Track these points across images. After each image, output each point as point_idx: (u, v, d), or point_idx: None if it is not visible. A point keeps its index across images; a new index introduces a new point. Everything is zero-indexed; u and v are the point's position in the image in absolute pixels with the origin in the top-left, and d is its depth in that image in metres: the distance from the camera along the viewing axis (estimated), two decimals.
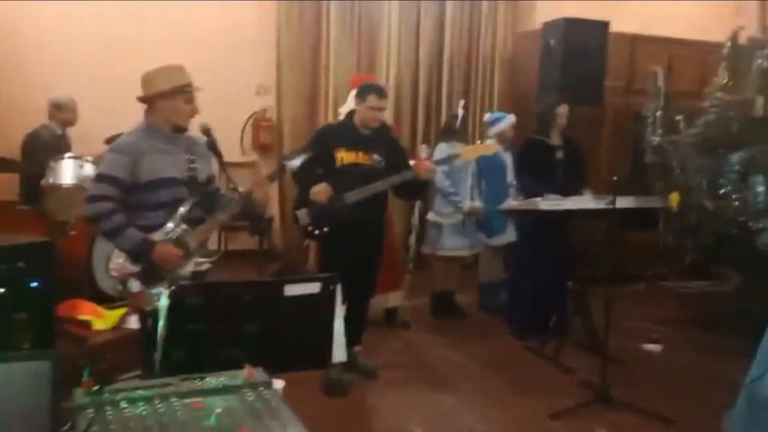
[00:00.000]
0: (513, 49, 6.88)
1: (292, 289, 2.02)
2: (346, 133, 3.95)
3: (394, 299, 5.02)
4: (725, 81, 4.43)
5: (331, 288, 2.11)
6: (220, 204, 3.12)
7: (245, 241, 6.02)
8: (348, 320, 4.07)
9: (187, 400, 1.52)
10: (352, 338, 4.06)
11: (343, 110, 4.55)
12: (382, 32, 6.52)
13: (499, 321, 5.10)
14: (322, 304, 2.08)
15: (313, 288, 2.06)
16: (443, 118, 6.26)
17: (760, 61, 4.19)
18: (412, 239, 5.28)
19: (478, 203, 5.03)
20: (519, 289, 4.82)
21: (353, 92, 4.15)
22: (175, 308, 1.89)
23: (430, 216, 5.16)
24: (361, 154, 3.86)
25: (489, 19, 6.85)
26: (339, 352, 2.22)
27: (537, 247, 4.68)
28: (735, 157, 4.16)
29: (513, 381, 4.14)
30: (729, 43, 4.59)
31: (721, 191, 4.22)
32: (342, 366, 3.95)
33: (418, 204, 5.18)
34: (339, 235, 3.81)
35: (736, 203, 4.13)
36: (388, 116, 6.42)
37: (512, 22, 6.94)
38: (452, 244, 5.07)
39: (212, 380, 1.62)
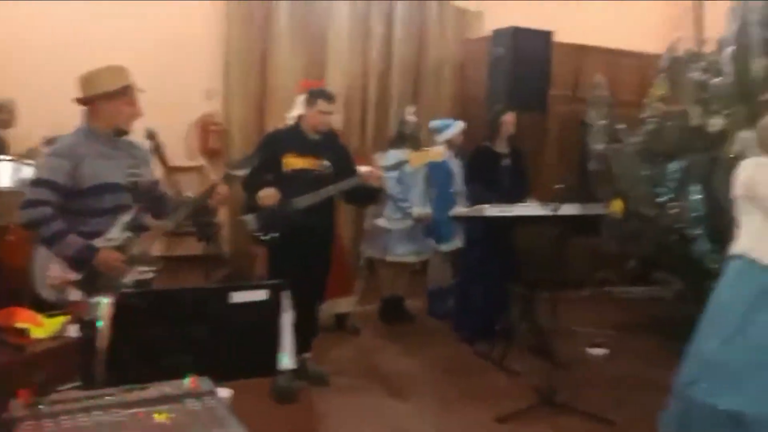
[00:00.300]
0: (462, 56, 6.96)
1: (238, 296, 2.00)
2: (294, 138, 3.94)
3: (344, 305, 5.01)
4: (663, 92, 4.58)
5: (277, 295, 2.10)
6: (169, 210, 3.06)
7: (192, 247, 5.91)
8: (297, 327, 4.09)
9: (129, 411, 1.49)
10: (302, 345, 4.06)
11: (291, 115, 4.53)
12: (331, 36, 6.51)
13: (447, 326, 5.15)
14: (268, 311, 2.06)
15: (260, 295, 2.05)
16: (393, 123, 6.29)
17: (695, 73, 4.35)
18: (363, 245, 5.28)
19: (427, 210, 5.06)
20: (467, 295, 4.87)
21: (301, 97, 4.14)
22: (118, 316, 1.85)
23: (380, 221, 5.17)
24: (309, 160, 3.85)
25: (438, 26, 6.91)
26: (286, 359, 2.21)
27: (484, 253, 4.74)
28: (673, 166, 4.30)
29: (462, 386, 4.17)
30: (667, 56, 4.75)
31: (660, 199, 4.36)
32: (291, 373, 3.91)
33: (369, 210, 5.18)
34: (288, 240, 3.79)
35: (675, 211, 4.26)
36: (337, 122, 6.46)
37: (461, 29, 7.01)
38: (401, 250, 5.10)
39: (155, 390, 1.59)
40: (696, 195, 4.09)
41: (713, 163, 4.03)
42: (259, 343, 2.10)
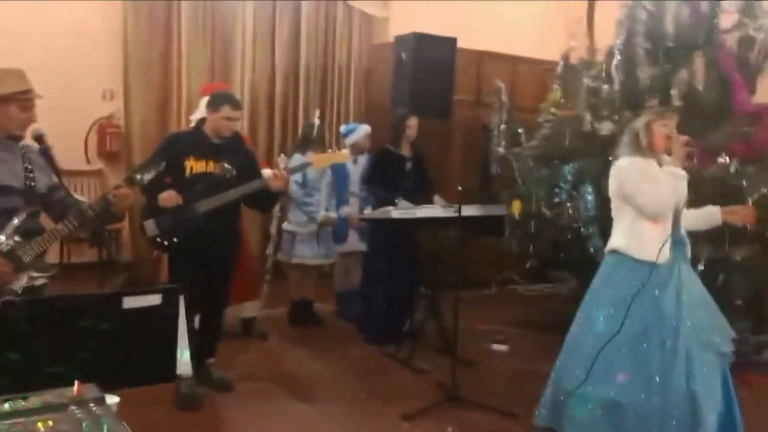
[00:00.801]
0: (368, 61, 7.03)
1: (131, 302, 1.95)
2: (196, 141, 3.87)
3: (250, 309, 4.95)
4: (558, 98, 4.80)
5: (172, 299, 2.06)
6: (71, 214, 2.93)
7: (88, 254, 5.73)
8: (201, 332, 4.03)
9: (7, 421, 1.43)
10: (206, 350, 4.02)
11: (194, 117, 4.45)
12: (236, 38, 6.45)
13: (356, 328, 5.18)
14: (164, 317, 2.02)
15: (154, 300, 2.00)
16: (300, 127, 6.28)
17: (587, 80, 4.58)
18: (270, 249, 5.24)
19: (332, 213, 5.08)
20: (372, 297, 4.91)
21: (205, 99, 4.08)
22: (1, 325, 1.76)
23: (285, 225, 5.16)
24: (211, 163, 3.79)
25: (344, 30, 6.96)
26: (184, 365, 2.17)
27: (389, 254, 4.81)
28: (567, 169, 4.50)
29: (369, 386, 4.21)
30: (561, 63, 4.98)
31: (557, 200, 4.55)
32: (195, 379, 3.86)
33: (276, 213, 5.15)
34: (190, 245, 3.72)
35: (570, 211, 4.46)
36: (243, 125, 6.39)
37: (367, 34, 7.09)
38: (307, 253, 5.10)
39: (37, 399, 1.53)
40: (589, 196, 4.30)
41: (604, 165, 4.23)
42: (154, 349, 2.05)
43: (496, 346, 5.03)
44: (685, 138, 3.29)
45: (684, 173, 3.37)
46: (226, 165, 3.82)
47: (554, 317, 5.71)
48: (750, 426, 3.67)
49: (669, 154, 3.30)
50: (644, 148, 3.30)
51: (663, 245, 3.20)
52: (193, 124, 4.35)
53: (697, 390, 3.15)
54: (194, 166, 3.78)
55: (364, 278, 5.05)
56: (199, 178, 3.77)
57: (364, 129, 5.38)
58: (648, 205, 3.24)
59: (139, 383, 2.07)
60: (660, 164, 3.32)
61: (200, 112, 4.26)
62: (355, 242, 5.33)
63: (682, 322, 3.22)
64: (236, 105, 3.84)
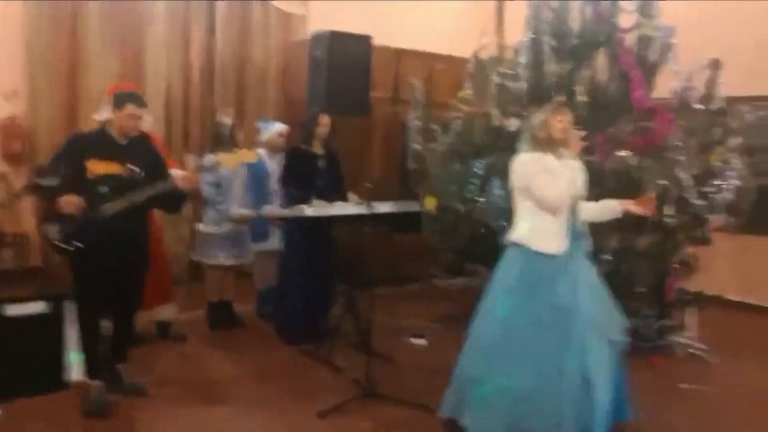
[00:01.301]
0: (285, 59, 6.99)
1: (13, 309, 1.89)
2: (100, 142, 3.77)
3: (166, 312, 4.85)
4: (467, 94, 4.90)
5: (59, 306, 2.01)
6: None
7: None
8: (112, 337, 3.94)
9: None
10: (117, 355, 3.93)
11: (99, 118, 4.33)
12: (148, 37, 6.28)
13: (274, 329, 5.14)
14: (50, 324, 1.97)
15: (39, 307, 1.95)
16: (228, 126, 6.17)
17: (495, 77, 4.69)
18: (183, 250, 5.15)
19: (246, 212, 5.04)
20: (289, 296, 4.88)
21: (108, 99, 3.97)
22: None
23: (200, 226, 5.08)
24: (116, 165, 3.70)
25: (261, 29, 6.88)
26: (74, 372, 2.12)
27: (305, 253, 4.80)
28: (478, 164, 4.60)
29: (287, 386, 4.20)
30: (472, 60, 5.08)
31: (469, 195, 4.64)
32: (104, 385, 3.77)
33: (188, 214, 5.07)
34: (96, 249, 3.62)
35: (481, 205, 4.56)
36: (159, 126, 6.26)
37: (285, 32, 7.03)
38: (223, 253, 5.04)
39: None
40: (498, 190, 4.40)
41: (512, 160, 4.35)
42: (41, 357, 2.00)
43: (415, 341, 5.10)
44: (580, 132, 3.42)
45: (581, 166, 3.52)
46: (132, 166, 3.74)
47: (472, 310, 5.84)
48: (654, 405, 3.87)
49: (566, 147, 3.44)
50: (542, 143, 3.43)
51: (555, 236, 3.34)
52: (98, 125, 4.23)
53: (592, 376, 3.30)
54: (98, 167, 3.68)
55: (281, 277, 5.01)
56: (104, 180, 3.68)
57: (277, 127, 5.35)
58: (546, 197, 3.36)
59: (26, 394, 2.01)
60: (558, 158, 3.45)
61: (105, 112, 4.15)
62: (276, 241, 5.29)
63: (577, 311, 3.35)
64: (140, 103, 3.76)
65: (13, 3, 5.71)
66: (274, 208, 4.92)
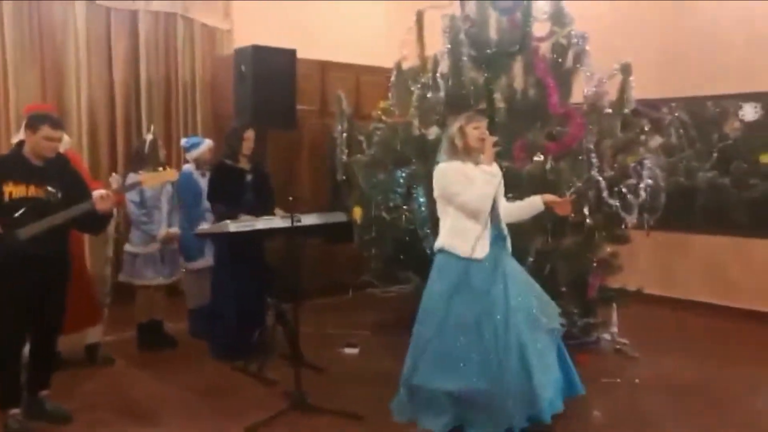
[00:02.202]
0: (211, 74, 6.96)
1: None
2: (15, 165, 3.70)
3: (92, 335, 4.78)
4: (388, 105, 4.98)
5: None
6: None
7: None
8: (32, 363, 3.86)
9: None
10: (38, 382, 3.85)
11: (14, 140, 4.25)
12: (68, 52, 6.18)
13: (206, 346, 5.10)
14: None
15: None
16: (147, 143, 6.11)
17: (415, 87, 4.79)
18: (107, 271, 5.07)
19: (173, 229, 5.00)
20: (220, 312, 4.86)
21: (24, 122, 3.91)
22: None
23: (126, 246, 5.01)
24: (32, 188, 3.64)
25: (186, 43, 6.85)
26: None
27: (234, 269, 4.79)
28: (400, 173, 4.68)
29: (216, 404, 4.17)
30: (394, 71, 5.17)
31: (393, 204, 4.72)
32: (25, 413, 3.69)
33: (112, 235, 4.99)
34: (13, 273, 3.55)
35: (406, 213, 4.64)
36: (82, 143, 6.16)
37: (210, 47, 7.02)
38: (150, 273, 4.98)
39: None
40: (421, 198, 4.50)
41: (433, 168, 4.45)
42: None
43: (348, 350, 5.14)
44: (494, 138, 3.55)
45: (498, 171, 3.64)
46: (49, 188, 3.68)
47: (405, 318, 5.91)
48: (577, 400, 4.00)
49: (482, 154, 3.55)
50: (460, 151, 3.54)
51: (478, 241, 3.44)
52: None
53: (532, 370, 3.43)
54: (14, 191, 3.62)
55: (213, 294, 4.99)
56: (20, 203, 3.61)
57: (207, 143, 5.35)
58: (467, 203, 3.48)
59: None
60: (476, 164, 3.56)
61: (21, 134, 4.08)
62: (211, 258, 5.25)
63: (511, 309, 3.48)
64: (56, 124, 3.70)
65: None
66: (204, 226, 4.90)
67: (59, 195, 3.70)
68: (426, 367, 3.47)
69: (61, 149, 4.04)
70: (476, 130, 3.55)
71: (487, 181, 3.56)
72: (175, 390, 4.42)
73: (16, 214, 3.57)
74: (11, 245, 3.52)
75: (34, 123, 3.69)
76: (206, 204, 5.12)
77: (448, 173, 3.56)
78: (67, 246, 3.90)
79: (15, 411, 3.63)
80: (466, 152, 3.57)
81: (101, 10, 6.37)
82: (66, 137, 4.37)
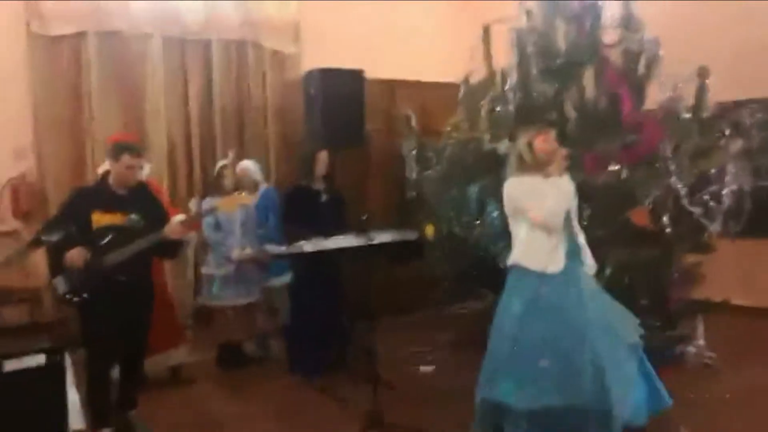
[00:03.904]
0: (281, 99, 7.11)
1: (12, 364, 1.97)
2: (100, 194, 3.89)
3: (176, 356, 4.93)
4: (458, 121, 4.97)
5: (57, 358, 2.08)
6: None
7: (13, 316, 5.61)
8: (121, 383, 4.02)
9: None
10: (126, 402, 4.00)
11: (100, 170, 4.45)
12: (147, 88, 6.45)
13: (286, 364, 5.18)
14: (50, 375, 2.04)
15: (37, 360, 2.02)
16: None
17: (485, 101, 4.76)
18: (189, 293, 5.23)
19: (248, 250, 5.11)
20: (298, 332, 4.93)
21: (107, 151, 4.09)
22: None
23: (203, 269, 5.17)
24: (117, 215, 3.81)
25: (256, 70, 7.03)
26: (76, 420, 2.18)
27: (311, 289, 4.85)
28: (473, 188, 4.66)
29: (296, 422, 4.24)
30: (462, 86, 5.17)
31: (466, 220, 4.69)
32: (115, 431, 3.84)
33: (191, 259, 5.16)
34: (101, 299, 3.71)
35: (478, 229, 4.61)
36: (162, 172, 6.39)
37: (279, 72, 7.18)
38: (226, 294, 5.11)
39: None
40: (494, 213, 4.45)
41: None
42: (43, 408, 2.06)
43: (423, 368, 5.11)
44: (564, 151, 3.49)
45: (569, 183, 3.57)
46: (132, 216, 3.84)
47: (480, 334, 5.84)
48: (668, 417, 3.85)
49: (552, 166, 3.50)
50: (529, 165, 3.49)
51: (552, 255, 3.39)
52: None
53: (610, 386, 3.34)
54: (101, 219, 3.79)
55: (291, 314, 5.08)
56: (107, 231, 3.78)
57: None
58: (537, 218, 3.42)
59: None
60: (545, 177, 3.51)
61: (106, 164, 4.27)
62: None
63: (588, 324, 3.40)
64: (136, 153, 3.86)
65: (20, 63, 5.91)
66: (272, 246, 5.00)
67: (142, 222, 3.85)
68: (502, 385, 3.41)
69: (143, 177, 4.22)
70: (545, 142, 3.50)
71: (559, 194, 3.50)
72: (255, 409, 4.51)
73: (103, 242, 3.73)
74: (98, 272, 3.68)
75: (115, 152, 3.86)
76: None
77: (518, 188, 3.52)
78: (150, 271, 4.06)
79: (106, 430, 3.78)
80: (536, 166, 3.52)
81: (176, 43, 6.63)
82: (146, 165, 4.55)
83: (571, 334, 3.39)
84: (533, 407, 3.34)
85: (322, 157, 4.95)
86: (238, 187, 5.06)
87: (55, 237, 3.41)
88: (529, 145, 3.48)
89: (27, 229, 5.97)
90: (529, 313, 3.40)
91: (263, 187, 5.43)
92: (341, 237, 4.46)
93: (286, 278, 5.32)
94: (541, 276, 3.46)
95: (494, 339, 3.56)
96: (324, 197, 4.95)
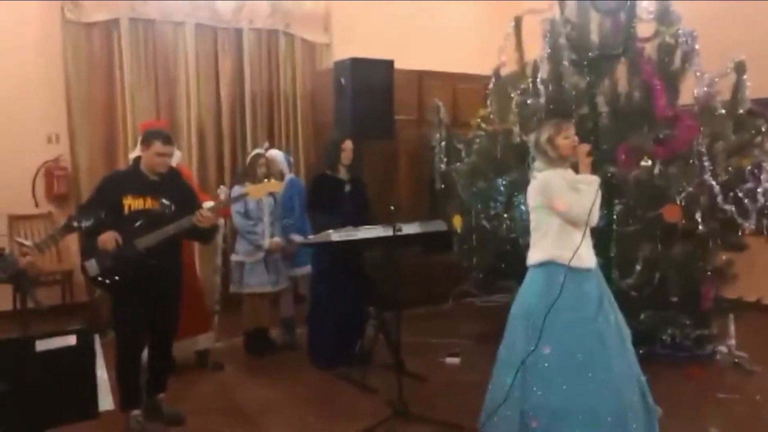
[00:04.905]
0: (312, 88, 7.14)
1: (44, 344, 2.00)
2: (132, 179, 3.92)
3: (203, 341, 4.99)
4: (487, 113, 4.93)
5: (87, 339, 2.12)
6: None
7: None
8: (150, 367, 4.07)
9: None
10: (156, 385, 4.05)
11: (133, 156, 4.51)
12: (179, 75, 6.53)
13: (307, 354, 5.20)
14: (80, 356, 2.07)
15: (68, 341, 2.05)
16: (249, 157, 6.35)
17: (515, 93, 4.72)
18: (217, 280, 5.28)
19: (277, 239, 5.15)
20: (320, 321, 4.94)
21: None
22: None
23: (233, 256, 5.21)
24: (149, 200, 3.85)
25: (287, 59, 7.07)
26: (106, 401, 2.22)
27: (335, 278, 4.86)
28: (501, 181, 4.62)
29: (321, 410, 4.25)
30: (492, 78, 5.12)
31: (494, 212, 4.66)
32: (145, 415, 3.89)
33: (220, 245, 5.20)
34: (132, 282, 3.76)
35: (507, 222, 4.57)
36: (192, 158, 6.46)
37: (310, 61, 7.21)
38: (255, 282, 5.14)
39: None
40: (523, 206, 4.41)
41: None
42: (72, 388, 2.10)
43: (450, 360, 5.10)
44: (587, 146, 3.42)
45: (595, 178, 3.52)
46: (163, 201, 3.88)
47: (503, 327, 5.81)
48: (692, 416, 3.80)
49: (574, 160, 3.45)
50: (556, 161, 3.43)
51: (584, 250, 3.35)
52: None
53: (647, 395, 3.34)
54: (132, 203, 3.83)
55: (311, 303, 5.09)
56: (138, 216, 3.81)
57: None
58: (571, 212, 3.36)
59: (61, 422, 2.12)
60: (574, 171, 3.46)
61: (138, 150, 4.32)
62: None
63: (622, 327, 3.37)
64: (167, 140, 3.89)
65: (54, 49, 6.01)
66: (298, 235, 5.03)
67: (173, 207, 3.89)
68: (534, 384, 3.34)
69: (173, 163, 4.26)
70: (566, 139, 3.43)
71: (590, 189, 3.44)
72: (281, 395, 4.54)
73: (135, 226, 3.78)
74: (130, 256, 3.72)
75: (147, 139, 3.90)
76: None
77: (552, 182, 3.44)
78: (179, 256, 4.10)
79: (136, 412, 3.84)
80: (561, 162, 3.47)
81: (209, 31, 6.68)
82: (177, 152, 4.59)
83: (611, 329, 3.33)
84: (564, 408, 3.28)
85: (348, 145, 4.93)
86: (268, 175, 5.08)
87: (88, 222, 3.44)
88: (551, 141, 3.42)
89: (60, 212, 6.11)
90: (570, 311, 3.32)
91: (288, 176, 5.45)
92: (369, 227, 4.46)
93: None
94: (579, 272, 3.37)
95: (520, 337, 3.48)
96: (348, 187, 4.94)
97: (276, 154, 5.54)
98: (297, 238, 5.15)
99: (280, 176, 5.39)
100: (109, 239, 3.70)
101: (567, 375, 3.28)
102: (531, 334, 3.39)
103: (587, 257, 3.41)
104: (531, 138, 3.71)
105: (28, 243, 3.25)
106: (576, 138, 3.40)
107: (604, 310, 3.36)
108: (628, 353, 3.40)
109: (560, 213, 3.37)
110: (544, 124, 3.50)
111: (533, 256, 3.49)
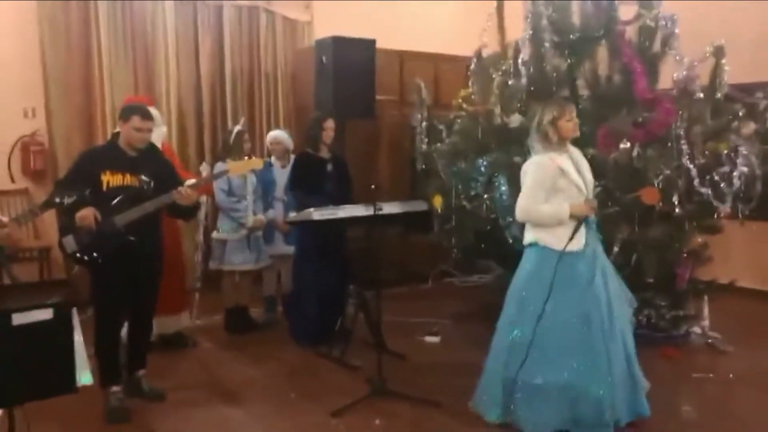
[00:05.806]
0: (293, 66, 7.09)
1: (20, 318, 1.99)
2: (111, 155, 3.88)
3: (183, 319, 4.98)
4: (468, 93, 4.93)
5: (64, 313, 2.11)
6: None
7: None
8: (130, 344, 4.06)
9: None
10: (135, 362, 4.05)
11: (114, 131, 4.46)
12: (158, 50, 6.44)
13: (289, 332, 5.22)
14: (57, 330, 2.06)
15: (45, 314, 2.04)
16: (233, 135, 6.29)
17: (496, 75, 4.73)
18: (198, 257, 5.26)
19: (260, 216, 5.14)
20: (302, 300, 4.95)
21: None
22: None
23: (215, 234, 5.20)
24: (128, 176, 3.81)
25: (268, 36, 7.00)
26: (84, 375, 2.22)
27: (316, 257, 4.86)
28: (482, 161, 4.64)
29: (301, 387, 4.27)
30: (474, 59, 5.12)
31: (474, 192, 4.69)
32: (124, 391, 3.89)
33: (201, 222, 5.18)
34: (111, 259, 3.74)
35: (487, 202, 4.60)
36: (172, 135, 6.39)
37: (291, 39, 7.15)
38: (238, 259, 5.14)
39: None
40: (503, 186, 4.43)
41: (515, 156, 4.39)
42: (50, 362, 2.09)
43: (429, 338, 5.16)
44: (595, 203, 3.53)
45: (580, 154, 3.57)
46: (143, 177, 3.84)
47: (485, 307, 5.87)
48: (667, 395, 3.88)
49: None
50: (555, 144, 3.46)
51: (578, 231, 3.39)
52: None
53: (635, 370, 3.44)
54: (111, 180, 3.79)
55: (295, 281, 5.10)
56: (117, 192, 3.78)
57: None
58: (520, 213, 3.47)
59: (39, 397, 2.12)
60: (566, 153, 3.51)
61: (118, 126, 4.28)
62: (281, 245, 5.39)
63: (613, 303, 3.42)
64: (145, 115, 3.85)
65: (30, 23, 5.89)
66: (278, 214, 5.02)
67: (152, 184, 3.86)
68: (529, 362, 3.39)
69: (158, 142, 4.21)
70: (569, 122, 3.46)
71: (577, 170, 3.49)
72: (261, 373, 4.55)
73: (113, 202, 3.75)
74: (108, 232, 3.70)
75: (125, 114, 3.85)
76: (277, 194, 5.32)
77: (535, 174, 3.46)
78: (159, 232, 4.08)
79: (116, 389, 3.83)
80: (560, 144, 3.49)
81: (188, 6, 6.59)
82: (163, 128, 4.55)
83: (602, 314, 3.37)
84: (563, 383, 3.34)
85: (329, 124, 4.93)
86: (248, 153, 5.06)
87: (66, 199, 3.40)
88: (554, 123, 3.43)
89: (37, 188, 6.03)
90: (559, 292, 3.35)
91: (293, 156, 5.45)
92: (350, 206, 4.47)
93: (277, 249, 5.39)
94: (569, 255, 3.41)
95: (512, 318, 3.53)
96: (330, 166, 4.94)
97: (281, 133, 5.54)
98: (272, 214, 5.18)
99: (286, 155, 5.38)
100: (87, 216, 3.66)
101: (551, 352, 3.36)
102: (520, 312, 3.49)
103: (576, 239, 3.43)
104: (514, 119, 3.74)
105: (4, 219, 3.21)
106: (577, 120, 3.44)
107: (593, 288, 3.40)
108: (621, 322, 3.45)
109: (518, 203, 3.44)
110: (546, 106, 3.50)
111: (525, 237, 3.56)
